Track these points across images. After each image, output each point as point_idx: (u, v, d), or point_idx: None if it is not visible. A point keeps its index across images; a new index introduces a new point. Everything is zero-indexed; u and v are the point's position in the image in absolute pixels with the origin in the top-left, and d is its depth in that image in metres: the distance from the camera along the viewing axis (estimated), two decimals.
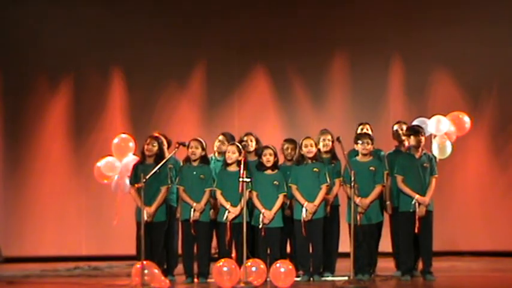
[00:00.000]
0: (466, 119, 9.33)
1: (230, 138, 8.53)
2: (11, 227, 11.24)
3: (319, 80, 11.47)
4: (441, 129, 8.99)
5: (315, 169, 8.08)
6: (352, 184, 7.79)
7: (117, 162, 9.23)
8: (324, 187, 8.07)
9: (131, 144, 9.25)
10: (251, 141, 8.41)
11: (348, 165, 7.93)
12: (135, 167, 8.31)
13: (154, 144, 8.28)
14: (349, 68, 11.44)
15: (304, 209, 8.00)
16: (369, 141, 8.22)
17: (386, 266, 8.66)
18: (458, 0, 11.35)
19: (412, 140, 8.22)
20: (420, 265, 8.34)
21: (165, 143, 8.55)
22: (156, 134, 8.57)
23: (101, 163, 9.32)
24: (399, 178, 8.18)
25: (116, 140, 9.27)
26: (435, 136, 9.06)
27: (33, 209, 11.26)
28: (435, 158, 8.59)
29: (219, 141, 8.54)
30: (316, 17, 11.41)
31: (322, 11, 11.41)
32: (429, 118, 9.23)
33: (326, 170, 8.14)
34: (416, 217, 8.03)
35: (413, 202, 8.07)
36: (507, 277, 8.74)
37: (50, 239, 11.20)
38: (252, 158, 8.28)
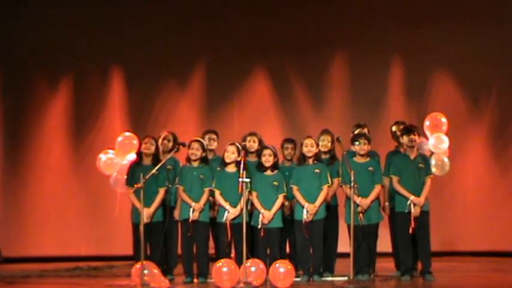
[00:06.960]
0: (444, 120, 9.01)
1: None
2: (10, 227, 11.22)
3: (319, 81, 11.46)
4: (440, 148, 8.87)
5: (316, 170, 8.08)
6: (352, 184, 7.78)
7: (117, 159, 9.20)
8: (325, 188, 8.07)
9: (135, 142, 9.23)
10: (254, 142, 8.37)
11: (347, 165, 7.92)
12: (132, 168, 8.30)
13: (152, 143, 8.28)
14: (349, 69, 11.42)
15: (305, 210, 8.00)
16: (366, 141, 8.21)
17: (386, 266, 8.67)
18: (458, 0, 11.35)
19: (405, 139, 8.22)
20: (420, 265, 8.35)
21: (170, 142, 8.53)
22: (166, 132, 8.58)
23: (102, 156, 9.25)
24: (395, 179, 8.19)
25: (120, 138, 9.21)
26: (432, 153, 8.94)
27: (33, 209, 11.24)
28: (430, 157, 8.58)
29: (211, 139, 8.57)
30: (315, 17, 11.40)
31: (322, 11, 11.40)
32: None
33: (327, 170, 8.14)
34: (412, 217, 8.05)
35: (408, 203, 8.08)
36: (506, 277, 8.74)
37: (49, 239, 11.18)
38: (254, 158, 8.25)
